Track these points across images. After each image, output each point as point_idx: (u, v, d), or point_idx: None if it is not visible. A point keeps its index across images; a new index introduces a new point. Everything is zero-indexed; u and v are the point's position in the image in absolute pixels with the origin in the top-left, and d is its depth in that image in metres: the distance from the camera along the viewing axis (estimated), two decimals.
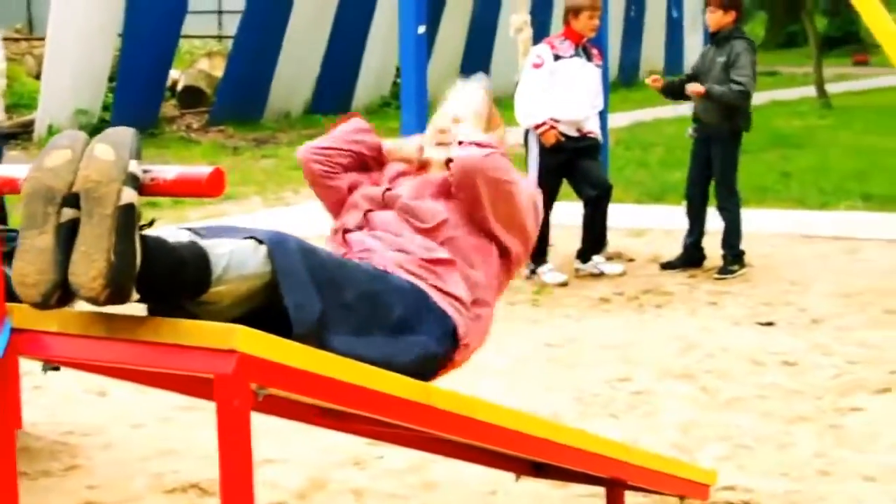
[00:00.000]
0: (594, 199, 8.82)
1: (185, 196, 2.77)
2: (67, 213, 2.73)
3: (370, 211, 3.77)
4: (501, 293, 3.91)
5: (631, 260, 9.43)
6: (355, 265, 3.37)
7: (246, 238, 3.03)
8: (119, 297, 2.72)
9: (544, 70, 8.75)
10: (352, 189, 3.93)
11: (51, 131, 16.82)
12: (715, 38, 8.96)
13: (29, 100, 18.16)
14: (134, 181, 2.72)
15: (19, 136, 16.85)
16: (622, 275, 8.91)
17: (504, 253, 3.77)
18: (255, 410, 2.89)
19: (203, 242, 2.99)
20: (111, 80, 17.96)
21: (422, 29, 7.90)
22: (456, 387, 5.84)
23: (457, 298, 3.59)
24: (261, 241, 3.03)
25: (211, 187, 2.68)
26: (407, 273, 3.51)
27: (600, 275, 8.87)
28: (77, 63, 17.05)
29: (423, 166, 3.94)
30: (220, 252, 2.96)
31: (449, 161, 3.76)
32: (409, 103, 7.88)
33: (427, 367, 3.48)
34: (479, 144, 3.65)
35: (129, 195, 2.70)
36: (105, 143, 2.75)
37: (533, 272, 8.78)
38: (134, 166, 2.73)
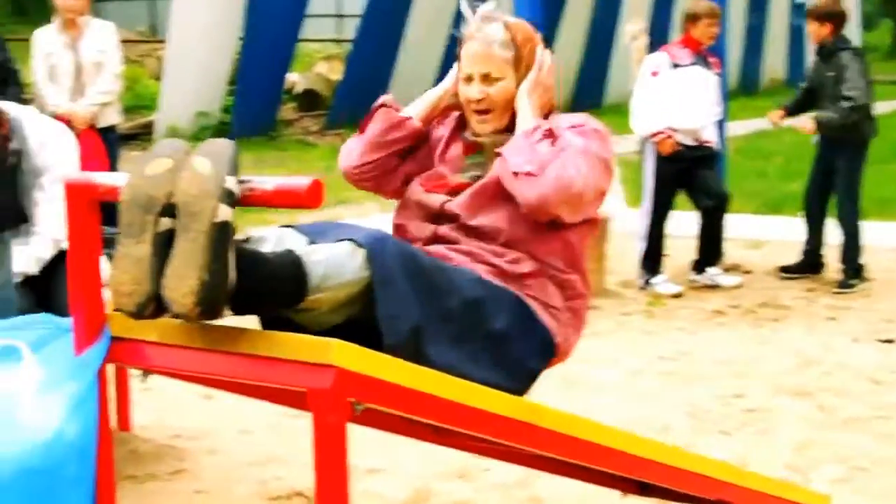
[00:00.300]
0: (710, 209, 8.67)
1: (284, 207, 2.72)
2: (165, 222, 2.70)
3: (436, 224, 3.58)
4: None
5: (748, 272, 9.25)
6: (457, 270, 3.26)
7: (344, 240, 2.97)
8: (210, 314, 2.69)
9: (662, 78, 8.63)
10: (408, 180, 3.71)
11: (171, 133, 17.03)
12: (820, 53, 8.76)
13: (150, 101, 18.41)
14: (229, 197, 2.68)
15: (139, 137, 17.09)
16: (738, 287, 8.74)
17: (586, 223, 3.59)
18: (354, 423, 2.85)
19: (299, 250, 2.93)
20: (231, 82, 18.14)
21: None
22: (568, 399, 5.82)
23: (553, 307, 3.47)
24: (360, 245, 2.96)
25: (310, 198, 2.64)
26: (504, 285, 3.41)
27: (716, 287, 8.72)
28: (197, 66, 17.25)
29: (471, 146, 3.64)
30: (316, 259, 2.90)
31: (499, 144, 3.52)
32: None
33: (526, 381, 3.39)
34: (531, 174, 3.33)
35: (224, 212, 2.66)
36: (204, 156, 2.71)
37: (647, 283, 8.66)
38: (230, 182, 2.68)
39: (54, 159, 4.82)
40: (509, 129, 3.56)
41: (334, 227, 3.13)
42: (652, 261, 8.72)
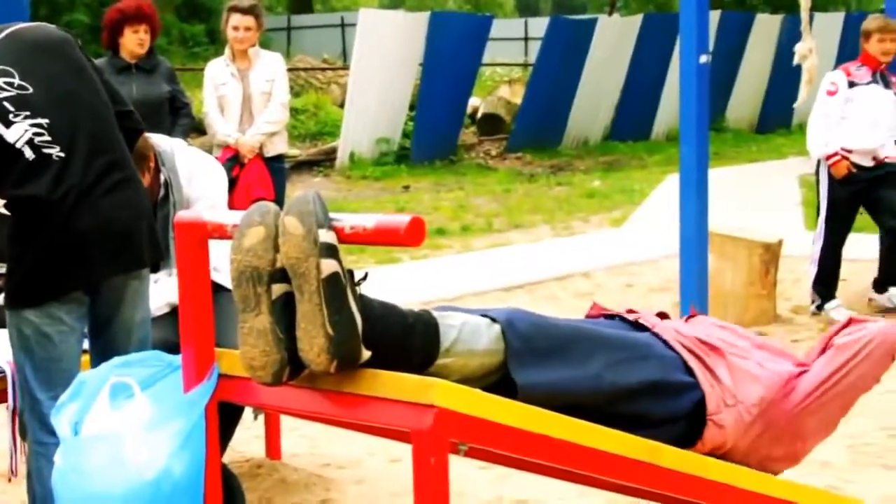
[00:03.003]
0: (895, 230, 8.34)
1: (384, 245, 2.69)
2: (277, 288, 2.73)
3: None
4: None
5: None
6: (598, 337, 3.21)
7: (481, 315, 2.98)
8: (349, 363, 2.71)
9: (839, 98, 8.39)
10: None
11: (352, 159, 17.25)
12: None
13: (333, 128, 18.68)
14: (329, 250, 2.67)
15: (321, 163, 17.34)
16: None
17: None
18: (468, 457, 2.81)
19: (435, 312, 2.94)
20: (411, 108, 18.29)
21: (704, 58, 7.65)
22: None
23: (716, 377, 3.37)
24: (494, 320, 2.97)
25: (409, 237, 2.60)
26: (674, 341, 3.36)
27: (894, 310, 8.41)
28: (379, 92, 17.44)
29: None
30: (452, 323, 2.92)
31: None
32: (689, 137, 7.58)
33: (663, 433, 3.28)
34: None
35: (328, 266, 2.66)
36: (291, 215, 2.70)
37: (819, 308, 8.39)
38: (324, 235, 2.67)
39: (202, 191, 4.87)
40: None
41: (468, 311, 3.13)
42: (825, 285, 8.44)
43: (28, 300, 3.78)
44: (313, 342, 2.66)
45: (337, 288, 2.67)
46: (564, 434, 2.85)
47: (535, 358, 2.97)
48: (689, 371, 3.33)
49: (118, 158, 3.96)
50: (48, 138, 3.77)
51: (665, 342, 3.36)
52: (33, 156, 3.74)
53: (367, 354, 2.74)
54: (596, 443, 2.93)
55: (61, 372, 3.75)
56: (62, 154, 3.77)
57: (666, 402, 3.25)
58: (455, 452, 2.73)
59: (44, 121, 3.78)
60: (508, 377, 2.95)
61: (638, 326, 3.44)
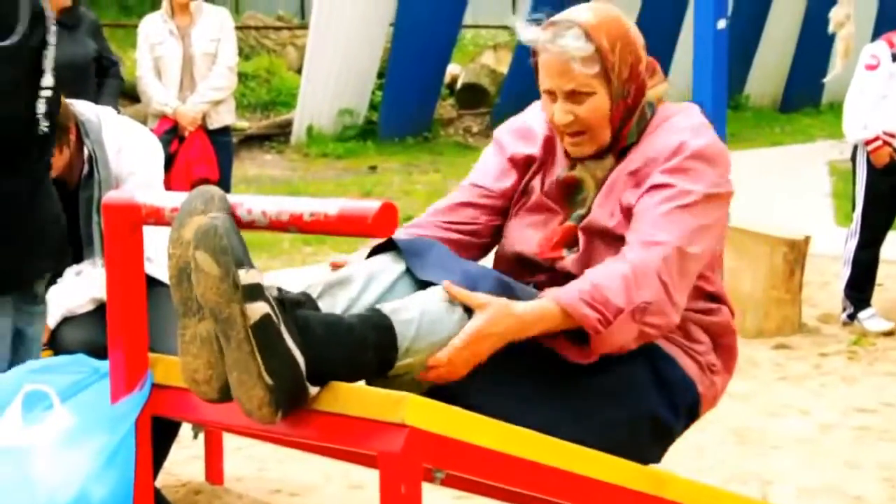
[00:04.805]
0: None
1: (349, 235, 2.66)
2: None
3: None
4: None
5: None
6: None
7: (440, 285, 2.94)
8: (294, 407, 2.70)
9: (880, 73, 8.36)
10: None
11: (310, 133, 17.21)
12: None
13: (288, 97, 18.59)
14: (253, 293, 2.63)
15: (274, 138, 17.28)
16: None
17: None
18: (444, 486, 2.80)
19: (387, 307, 2.90)
20: (380, 76, 18.24)
21: (722, 23, 7.68)
22: (740, 457, 5.67)
23: (695, 350, 3.37)
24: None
25: (378, 226, 2.58)
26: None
27: None
28: (342, 56, 17.37)
29: (568, 184, 3.45)
30: (408, 318, 2.88)
31: None
32: (704, 108, 7.61)
33: (654, 444, 3.28)
34: (593, 303, 3.04)
35: (256, 310, 2.63)
36: (203, 251, 2.63)
37: (851, 317, 8.41)
38: (245, 276, 2.63)
39: (133, 167, 4.84)
40: (611, 145, 3.40)
41: (434, 251, 3.09)
42: (859, 290, 8.46)
43: None
44: (251, 394, 2.64)
45: (269, 331, 2.65)
46: (558, 461, 2.85)
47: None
48: (661, 353, 3.31)
49: None
50: None
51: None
52: None
53: (314, 391, 2.73)
54: (593, 472, 2.92)
55: None
56: None
57: (650, 400, 3.24)
58: (429, 480, 2.71)
59: None
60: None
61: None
